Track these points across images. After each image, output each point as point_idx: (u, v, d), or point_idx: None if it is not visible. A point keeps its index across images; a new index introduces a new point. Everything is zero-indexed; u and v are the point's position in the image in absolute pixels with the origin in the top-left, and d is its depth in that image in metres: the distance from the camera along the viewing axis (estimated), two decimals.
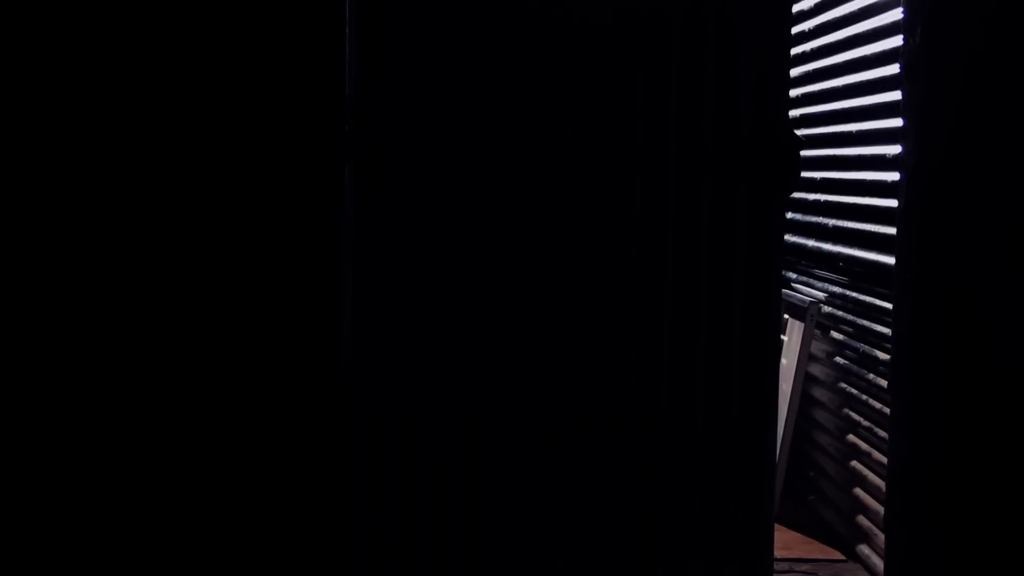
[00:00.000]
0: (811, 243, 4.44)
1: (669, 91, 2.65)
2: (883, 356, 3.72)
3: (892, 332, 2.36)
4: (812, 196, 4.41)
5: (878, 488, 3.70)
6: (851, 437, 4.00)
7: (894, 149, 3.62)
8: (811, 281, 4.48)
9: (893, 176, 3.61)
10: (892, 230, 3.44)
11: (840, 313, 4.13)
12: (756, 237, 2.68)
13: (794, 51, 3.54)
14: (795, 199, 4.35)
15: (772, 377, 2.78)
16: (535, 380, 2.74)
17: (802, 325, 4.22)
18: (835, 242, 4.17)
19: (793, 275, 4.62)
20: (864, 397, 3.89)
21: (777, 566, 3.04)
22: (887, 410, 3.43)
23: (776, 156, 2.61)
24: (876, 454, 3.76)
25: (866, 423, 3.87)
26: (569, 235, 2.69)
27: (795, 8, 2.79)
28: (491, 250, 2.69)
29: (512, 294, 2.70)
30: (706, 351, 2.75)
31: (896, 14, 3.60)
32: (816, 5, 4.43)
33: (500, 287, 2.72)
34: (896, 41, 3.60)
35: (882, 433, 3.68)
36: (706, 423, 2.77)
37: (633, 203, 2.70)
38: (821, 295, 4.30)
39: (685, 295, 2.72)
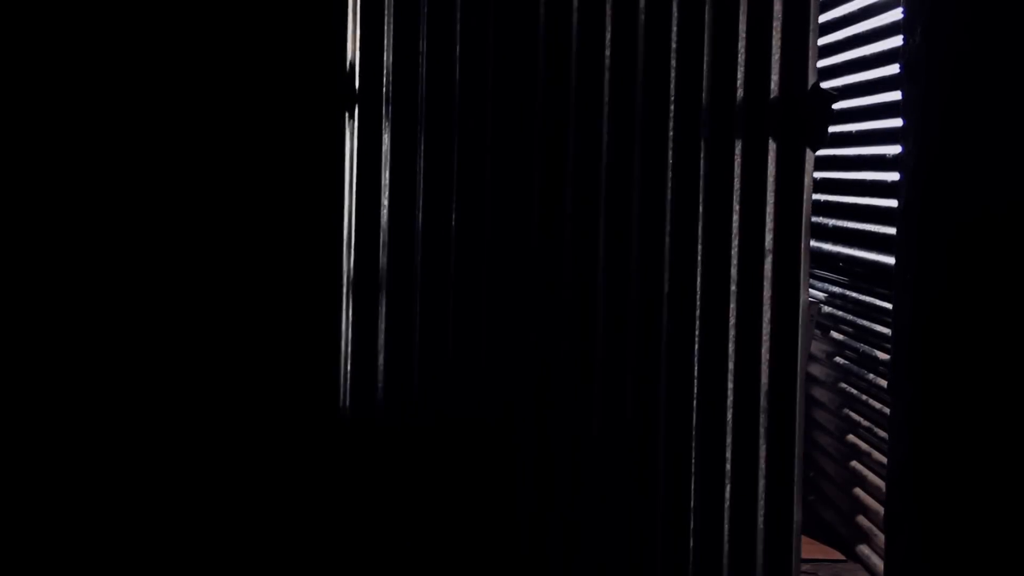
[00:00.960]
0: (811, 243, 4.43)
1: (702, 41, 2.65)
2: (883, 356, 3.72)
3: (892, 332, 2.36)
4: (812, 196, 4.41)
5: (878, 488, 3.70)
6: (851, 437, 3.99)
7: (894, 149, 3.62)
8: (811, 281, 4.48)
9: (893, 176, 3.61)
10: (892, 230, 3.44)
11: (840, 313, 4.13)
12: (786, 197, 2.73)
13: None
14: None
15: (798, 352, 2.83)
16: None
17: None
18: (835, 242, 4.17)
19: None
20: (864, 397, 3.89)
21: None
22: (887, 410, 3.42)
23: (805, 111, 2.65)
24: (876, 454, 3.76)
25: (866, 423, 3.87)
26: (601, 218, 2.69)
27: None
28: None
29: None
30: (736, 331, 2.79)
31: (896, 14, 3.60)
32: None
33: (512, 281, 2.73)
34: (896, 41, 3.60)
35: (882, 433, 3.68)
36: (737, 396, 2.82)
37: (664, 168, 2.70)
38: (821, 295, 4.30)
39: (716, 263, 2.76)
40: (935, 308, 1.98)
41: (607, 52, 2.65)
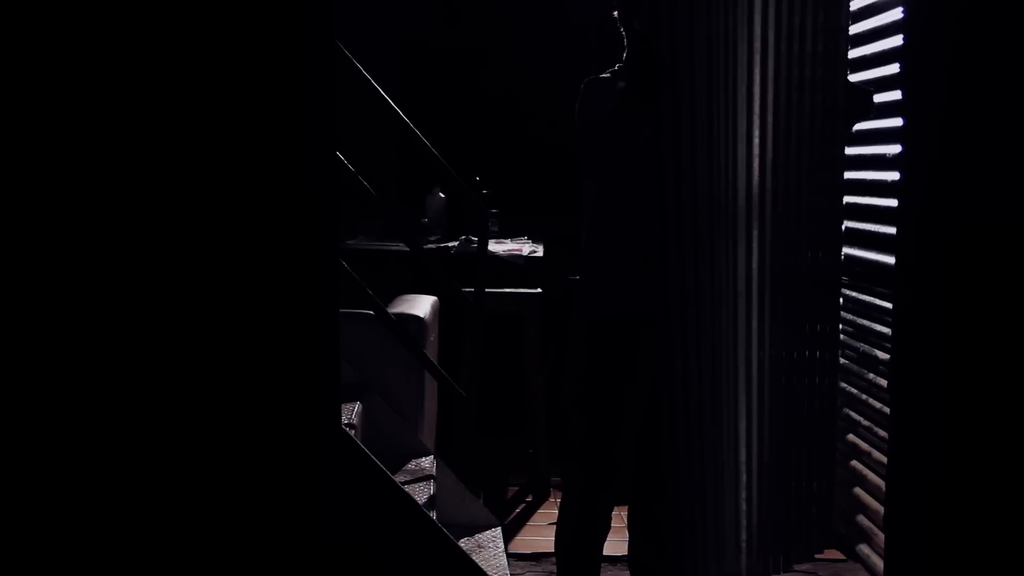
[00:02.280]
0: None
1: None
2: (883, 356, 3.72)
3: (892, 332, 2.37)
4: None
5: (878, 488, 3.70)
6: (851, 437, 4.00)
7: (894, 149, 3.62)
8: None
9: (893, 176, 3.61)
10: (892, 230, 3.44)
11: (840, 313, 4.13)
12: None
13: None
14: None
15: None
16: None
17: None
18: None
19: None
20: (864, 397, 3.89)
21: None
22: (887, 410, 3.42)
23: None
24: (876, 454, 3.76)
25: (866, 423, 3.87)
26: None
27: None
28: None
29: None
30: None
31: (896, 14, 3.60)
32: None
33: None
34: (896, 41, 3.60)
35: (882, 433, 3.68)
36: None
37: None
38: None
39: None
40: (921, 305, 1.99)
41: None
